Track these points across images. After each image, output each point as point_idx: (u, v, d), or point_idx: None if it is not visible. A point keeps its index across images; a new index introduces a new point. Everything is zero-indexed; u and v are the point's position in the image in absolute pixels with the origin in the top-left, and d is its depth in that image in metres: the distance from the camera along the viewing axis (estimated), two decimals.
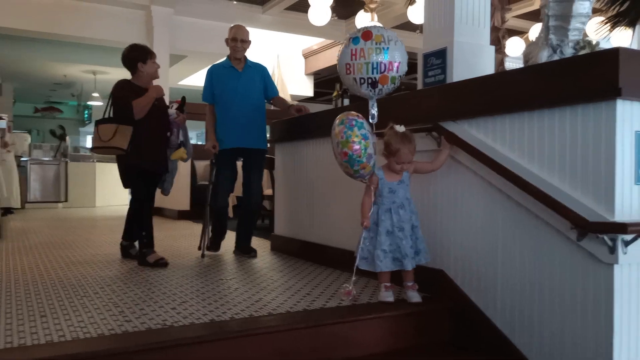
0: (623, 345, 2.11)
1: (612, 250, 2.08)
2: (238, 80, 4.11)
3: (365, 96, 2.71)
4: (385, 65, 2.58)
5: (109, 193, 10.95)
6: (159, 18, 7.94)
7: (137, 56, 3.81)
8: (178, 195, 6.95)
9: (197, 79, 10.29)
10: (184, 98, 4.11)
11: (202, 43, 8.49)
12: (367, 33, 2.60)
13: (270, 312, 2.57)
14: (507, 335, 2.53)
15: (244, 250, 4.26)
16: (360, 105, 3.50)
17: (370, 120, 2.77)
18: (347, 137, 2.57)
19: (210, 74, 4.21)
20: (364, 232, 2.74)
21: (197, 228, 6.29)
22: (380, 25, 2.73)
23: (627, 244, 2.06)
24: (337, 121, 2.70)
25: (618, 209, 2.11)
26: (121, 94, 3.73)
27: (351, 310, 2.65)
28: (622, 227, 2.01)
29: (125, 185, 4.03)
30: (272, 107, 4.74)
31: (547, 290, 2.35)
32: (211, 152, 4.17)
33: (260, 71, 4.28)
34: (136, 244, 3.96)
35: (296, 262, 4.01)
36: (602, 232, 2.08)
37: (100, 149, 3.72)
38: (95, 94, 13.67)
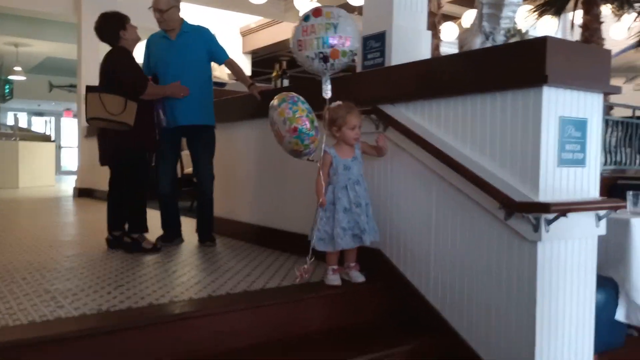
0: (544, 316, 2.27)
1: (536, 228, 2.22)
2: (170, 49, 3.71)
3: (318, 72, 2.74)
4: (335, 39, 2.62)
5: (34, 174, 10.41)
6: None
7: (115, 24, 3.51)
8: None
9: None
10: (155, 75, 3.78)
11: (139, 13, 8.14)
12: (317, 10, 2.64)
13: (210, 294, 2.56)
14: (439, 310, 2.65)
15: (200, 238, 3.92)
16: (300, 85, 3.51)
17: (324, 95, 2.79)
18: (293, 112, 2.59)
19: (147, 45, 3.86)
20: (320, 212, 2.73)
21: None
22: (329, 5, 2.76)
23: (549, 222, 2.20)
24: (275, 102, 2.70)
25: (542, 189, 2.25)
26: (134, 66, 3.50)
27: (290, 291, 2.69)
28: (545, 207, 2.15)
29: (104, 163, 3.67)
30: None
31: (476, 266, 2.48)
32: (180, 96, 3.73)
33: (200, 35, 3.78)
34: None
35: (235, 244, 4.00)
36: (527, 212, 2.22)
37: (104, 121, 3.38)
38: (18, 68, 12.87)
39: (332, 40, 2.62)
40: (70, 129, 18.51)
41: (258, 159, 4.10)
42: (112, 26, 3.50)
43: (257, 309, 2.46)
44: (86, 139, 8.05)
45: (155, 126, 3.63)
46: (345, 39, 2.63)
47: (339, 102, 2.74)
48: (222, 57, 3.83)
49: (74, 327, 2.08)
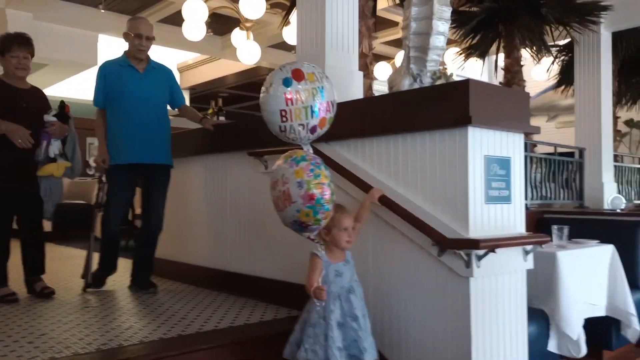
0: (479, 350, 2.31)
1: (468, 264, 2.27)
2: (139, 82, 3.49)
3: (301, 142, 2.36)
4: (323, 106, 2.28)
5: None
6: (15, 23, 7.25)
7: None
8: None
9: (60, 89, 9.57)
10: (62, 102, 3.45)
11: (65, 51, 7.94)
12: (297, 72, 2.28)
13: (141, 340, 2.44)
14: (378, 348, 2.64)
15: (141, 284, 3.60)
16: (240, 123, 3.49)
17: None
18: (315, 176, 2.17)
19: (104, 73, 3.51)
20: (308, 329, 2.29)
21: (65, 252, 5.84)
22: (305, 63, 2.37)
23: (479, 258, 2.27)
24: (292, 157, 2.24)
25: (472, 226, 2.32)
26: None
27: (228, 332, 2.61)
28: (475, 243, 2.22)
29: None
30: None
31: (413, 303, 2.51)
32: (100, 166, 3.50)
33: (166, 74, 3.69)
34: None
35: (177, 287, 3.85)
36: (459, 248, 2.27)
37: None
38: None
39: (321, 108, 2.27)
40: None
41: (207, 197, 4.02)
42: None
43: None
44: None
45: (21, 162, 3.22)
46: (331, 105, 2.32)
47: None
48: (180, 100, 3.77)
49: None
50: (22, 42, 3.28)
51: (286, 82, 2.26)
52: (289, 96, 2.24)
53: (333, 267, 2.33)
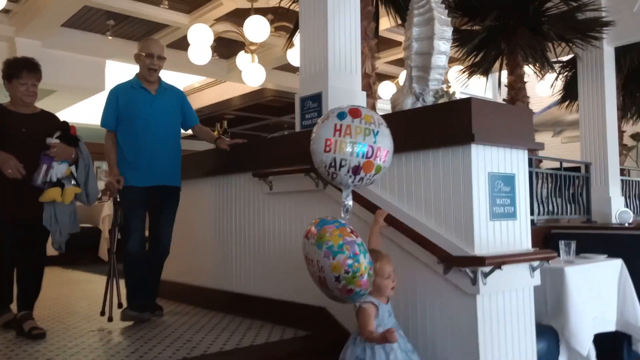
0: None
1: (474, 281, 2.26)
2: (152, 105, 3.43)
3: (340, 183, 2.24)
4: (373, 149, 2.15)
5: None
6: (24, 50, 7.39)
7: (3, 73, 3.16)
8: None
9: (69, 114, 9.71)
10: (64, 123, 3.24)
11: (73, 77, 8.07)
12: (355, 110, 2.20)
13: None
14: None
15: (150, 307, 3.45)
16: (247, 149, 3.51)
17: (343, 215, 2.31)
18: (353, 272, 2.03)
19: (116, 96, 3.45)
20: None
21: (72, 275, 5.83)
22: (369, 108, 2.33)
23: (486, 275, 2.26)
24: (329, 244, 2.06)
25: (477, 243, 2.32)
26: None
27: (234, 354, 2.60)
28: (481, 260, 2.21)
29: None
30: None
31: (420, 321, 2.49)
32: (113, 188, 3.35)
33: (177, 96, 3.63)
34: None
35: (180, 307, 3.85)
36: (464, 266, 2.27)
37: None
38: None
39: (369, 150, 2.16)
40: None
41: (213, 218, 4.03)
42: (2, 73, 3.18)
43: None
44: None
45: (21, 189, 3.02)
46: (383, 152, 2.19)
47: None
48: (193, 120, 3.70)
49: None
50: (31, 69, 3.19)
51: (340, 115, 2.20)
52: (338, 127, 2.15)
53: (385, 308, 2.30)
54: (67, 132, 3.19)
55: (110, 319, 3.20)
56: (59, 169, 3.09)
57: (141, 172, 3.38)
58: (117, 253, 3.38)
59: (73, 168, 3.20)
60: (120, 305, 3.30)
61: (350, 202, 2.31)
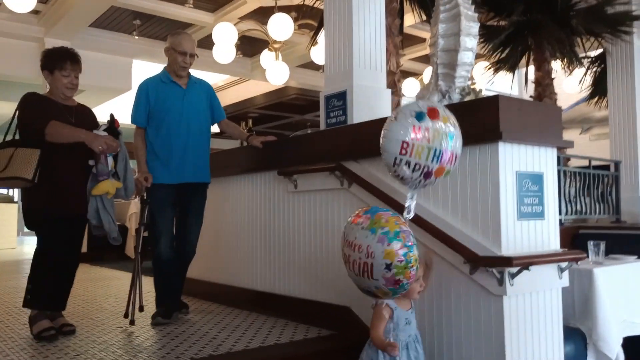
0: None
1: (501, 282, 2.23)
2: (183, 99, 3.34)
3: (407, 183, 2.14)
4: (448, 155, 2.06)
5: None
6: None
7: (43, 63, 3.02)
8: None
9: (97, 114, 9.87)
10: (112, 116, 3.14)
11: (101, 77, 8.19)
12: (433, 111, 2.08)
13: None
14: None
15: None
16: (272, 147, 3.50)
17: (406, 215, 2.21)
18: (407, 261, 1.97)
19: (146, 91, 3.34)
20: None
21: (99, 272, 5.95)
22: (442, 105, 2.19)
23: (513, 276, 2.23)
24: (385, 229, 2.00)
25: (504, 243, 2.28)
26: (33, 106, 2.94)
27: (258, 352, 2.62)
28: (508, 261, 2.18)
29: (28, 227, 3.04)
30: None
31: (446, 321, 2.47)
32: (142, 185, 3.27)
33: (206, 89, 3.52)
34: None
35: (205, 305, 3.89)
36: (491, 266, 2.24)
37: None
38: None
39: (445, 156, 2.05)
40: None
41: (237, 216, 4.06)
42: (41, 63, 3.04)
43: None
44: None
45: (75, 183, 2.96)
46: (455, 157, 2.09)
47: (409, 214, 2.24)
48: (221, 115, 3.60)
49: None
50: (75, 60, 3.04)
51: (419, 116, 2.06)
52: (417, 130, 2.03)
53: (404, 315, 2.21)
54: (113, 124, 3.11)
55: (132, 322, 3.15)
56: (108, 162, 3.02)
57: (173, 168, 3.29)
58: (142, 252, 3.35)
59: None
60: (141, 308, 3.28)
61: (414, 203, 2.21)
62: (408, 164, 2.05)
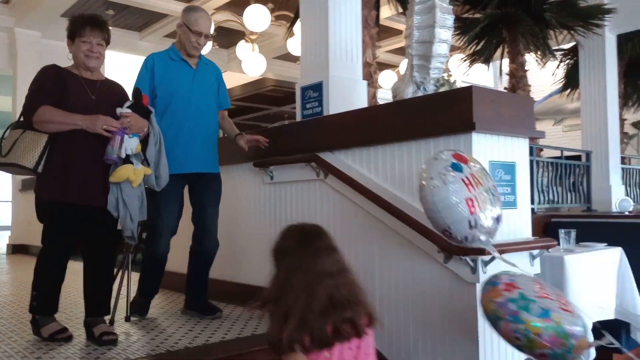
0: (487, 356, 2.31)
1: (474, 270, 2.28)
2: (192, 80, 3.03)
3: (482, 243, 1.94)
4: (495, 185, 1.99)
5: None
6: (24, 41, 7.42)
7: (67, 32, 2.67)
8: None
9: None
10: (136, 90, 2.71)
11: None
12: (459, 156, 1.96)
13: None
14: (386, 356, 2.64)
15: (203, 309, 3.13)
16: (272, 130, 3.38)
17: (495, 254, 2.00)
18: (524, 335, 1.67)
19: (152, 65, 3.01)
20: None
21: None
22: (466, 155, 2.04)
23: (486, 264, 2.27)
24: (488, 314, 1.78)
25: None
26: (30, 87, 2.61)
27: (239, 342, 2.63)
28: (481, 249, 2.21)
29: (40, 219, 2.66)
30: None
31: (420, 309, 2.51)
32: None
33: (216, 73, 3.22)
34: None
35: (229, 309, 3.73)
36: (465, 254, 2.27)
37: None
38: None
39: (494, 187, 1.98)
40: (3, 182, 17.60)
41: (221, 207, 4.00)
42: (67, 32, 2.69)
43: None
44: (21, 193, 7.72)
45: (90, 170, 2.55)
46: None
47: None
48: (226, 103, 3.28)
49: None
50: (95, 25, 2.67)
51: (456, 167, 1.88)
52: (467, 182, 1.84)
53: None
54: (140, 101, 2.69)
55: (127, 319, 3.03)
56: (130, 144, 2.56)
57: (179, 156, 2.95)
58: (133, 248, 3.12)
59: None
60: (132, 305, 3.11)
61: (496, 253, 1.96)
62: (483, 219, 1.85)
